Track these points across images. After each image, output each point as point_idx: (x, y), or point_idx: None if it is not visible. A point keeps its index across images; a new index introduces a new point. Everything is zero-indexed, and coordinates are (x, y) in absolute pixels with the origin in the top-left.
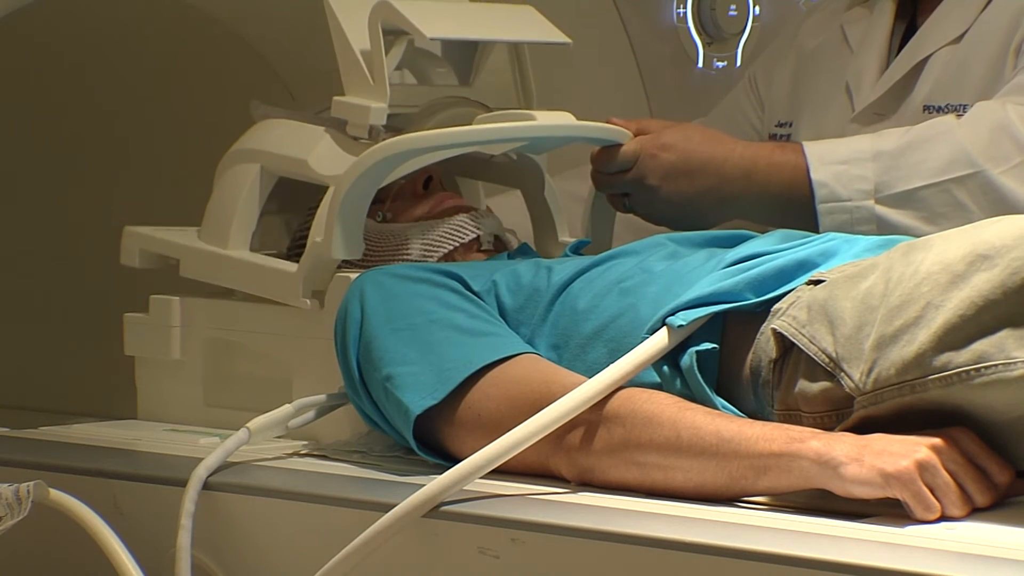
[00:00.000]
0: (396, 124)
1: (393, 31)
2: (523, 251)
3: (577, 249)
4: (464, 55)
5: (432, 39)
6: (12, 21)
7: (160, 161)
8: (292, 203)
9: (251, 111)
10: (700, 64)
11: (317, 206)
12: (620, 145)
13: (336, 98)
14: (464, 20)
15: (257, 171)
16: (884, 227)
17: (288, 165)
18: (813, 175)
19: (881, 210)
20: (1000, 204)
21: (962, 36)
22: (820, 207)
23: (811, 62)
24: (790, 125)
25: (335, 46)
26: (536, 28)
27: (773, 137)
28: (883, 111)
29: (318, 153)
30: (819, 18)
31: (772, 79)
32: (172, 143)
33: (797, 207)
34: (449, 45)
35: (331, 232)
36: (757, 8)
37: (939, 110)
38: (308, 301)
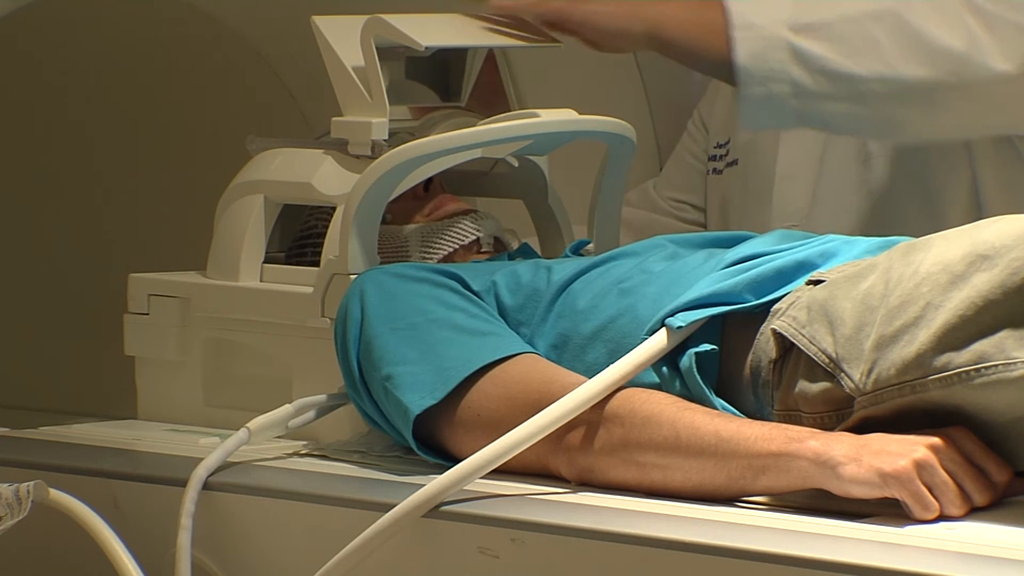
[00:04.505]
0: (396, 141)
1: (383, 47)
2: (523, 251)
3: (577, 249)
4: (453, 71)
5: (427, 48)
6: (11, 21)
7: (160, 160)
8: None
9: (247, 146)
10: None
11: (318, 208)
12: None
13: (335, 119)
14: (455, 30)
15: (261, 202)
16: (801, 59)
17: (292, 191)
18: (727, 3)
19: (795, 38)
20: (917, 45)
21: None
22: (736, 33)
23: None
24: (728, 143)
25: (328, 68)
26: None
27: (712, 159)
28: None
29: (321, 175)
30: None
31: (713, 106)
32: (172, 142)
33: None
34: (439, 63)
35: (346, 248)
36: None
37: None
38: (328, 320)
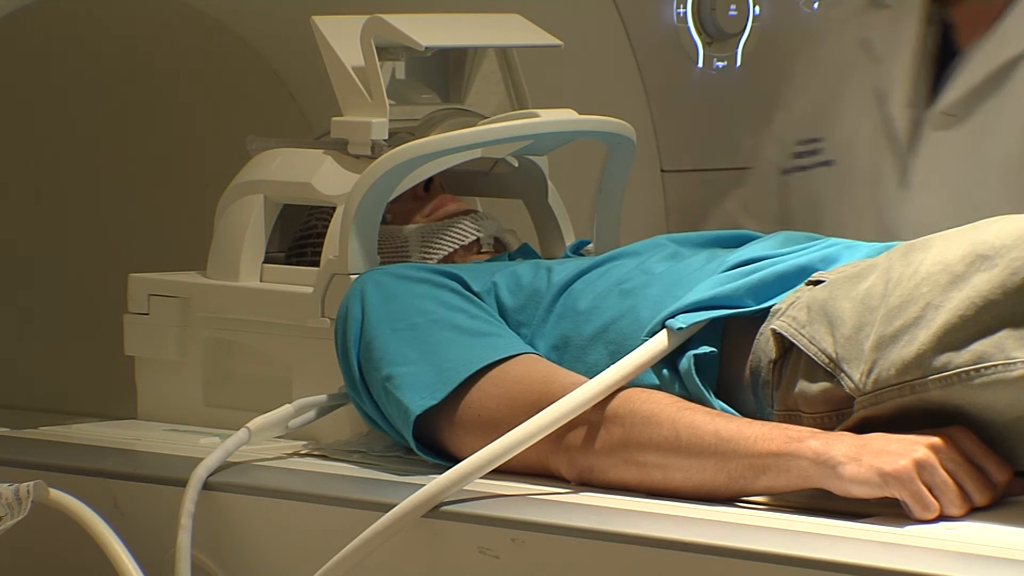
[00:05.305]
0: (396, 141)
1: (383, 47)
2: (523, 252)
3: (577, 249)
4: (455, 70)
5: (427, 48)
6: (11, 21)
7: (161, 160)
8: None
9: (247, 146)
10: (700, 64)
11: (318, 208)
12: None
13: (335, 119)
14: (455, 30)
15: (261, 202)
16: None
17: (292, 191)
18: None
19: None
20: None
21: None
22: None
23: (833, 75)
24: (817, 140)
25: (328, 68)
26: (527, 33)
27: (798, 155)
28: (955, 112)
29: (321, 175)
30: (836, 28)
31: (792, 105)
32: (172, 143)
33: None
34: (439, 63)
35: (346, 248)
36: (757, 8)
37: None
38: (328, 320)
